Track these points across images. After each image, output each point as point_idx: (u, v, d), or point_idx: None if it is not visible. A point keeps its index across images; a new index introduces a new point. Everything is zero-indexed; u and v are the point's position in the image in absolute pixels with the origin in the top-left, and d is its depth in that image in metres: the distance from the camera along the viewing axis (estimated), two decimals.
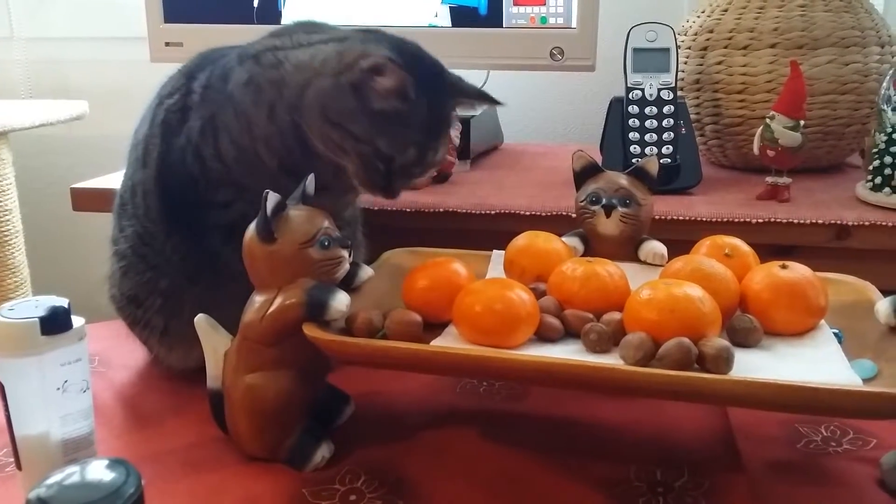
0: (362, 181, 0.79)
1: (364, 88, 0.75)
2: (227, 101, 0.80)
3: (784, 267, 0.73)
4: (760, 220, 1.01)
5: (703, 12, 1.27)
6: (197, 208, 0.82)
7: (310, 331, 0.67)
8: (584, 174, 0.87)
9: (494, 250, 0.87)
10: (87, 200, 1.19)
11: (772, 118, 1.06)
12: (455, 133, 1.20)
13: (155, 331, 0.86)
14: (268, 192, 0.68)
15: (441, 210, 1.08)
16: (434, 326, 0.74)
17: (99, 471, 0.50)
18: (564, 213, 1.03)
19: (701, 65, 1.24)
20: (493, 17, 1.24)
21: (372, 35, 0.81)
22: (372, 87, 0.75)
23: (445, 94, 0.80)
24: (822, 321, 0.72)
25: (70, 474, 0.50)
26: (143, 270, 0.85)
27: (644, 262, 0.83)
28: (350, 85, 0.76)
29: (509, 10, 1.24)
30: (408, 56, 0.78)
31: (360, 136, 0.76)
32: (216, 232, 0.81)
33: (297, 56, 0.79)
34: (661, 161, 1.09)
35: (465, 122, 1.24)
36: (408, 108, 0.76)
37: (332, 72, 0.77)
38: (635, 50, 1.14)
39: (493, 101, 0.85)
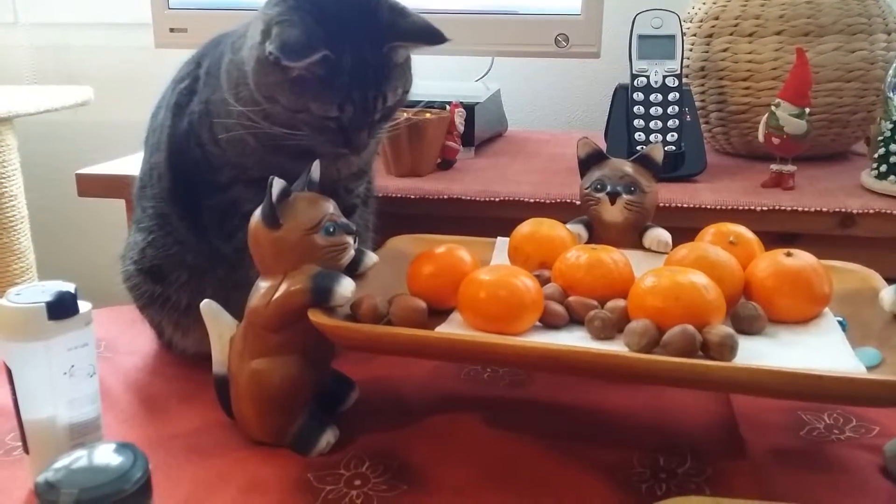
0: (321, 145, 0.77)
1: (278, 61, 0.73)
2: (217, 86, 0.80)
3: (788, 255, 0.73)
4: (765, 208, 1.01)
5: None
6: (199, 190, 0.82)
7: (315, 317, 0.67)
8: (589, 161, 0.87)
9: (499, 237, 0.88)
10: (91, 186, 1.19)
11: (777, 106, 1.06)
12: (459, 119, 1.20)
13: (174, 310, 0.86)
14: (273, 179, 0.68)
15: (445, 197, 1.08)
16: (439, 313, 0.74)
17: (106, 455, 0.51)
18: (569, 201, 1.03)
19: (706, 52, 1.23)
20: None
21: None
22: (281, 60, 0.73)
23: (379, 38, 0.75)
24: (827, 309, 0.73)
25: (78, 458, 0.50)
26: (170, 244, 0.85)
27: (648, 250, 0.84)
28: (266, 59, 0.73)
29: None
30: (322, 10, 0.73)
31: (291, 106, 0.74)
32: (212, 214, 0.82)
33: (250, 32, 0.78)
34: (666, 148, 1.09)
35: (470, 109, 1.24)
36: (326, 70, 0.73)
37: (255, 46, 0.75)
38: (640, 37, 1.14)
39: (436, 40, 0.77)
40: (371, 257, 0.78)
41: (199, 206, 0.83)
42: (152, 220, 0.86)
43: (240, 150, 0.80)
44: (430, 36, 0.77)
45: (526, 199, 1.06)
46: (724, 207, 1.02)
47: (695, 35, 1.25)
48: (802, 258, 0.73)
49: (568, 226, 0.84)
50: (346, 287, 0.68)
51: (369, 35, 0.74)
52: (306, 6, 0.74)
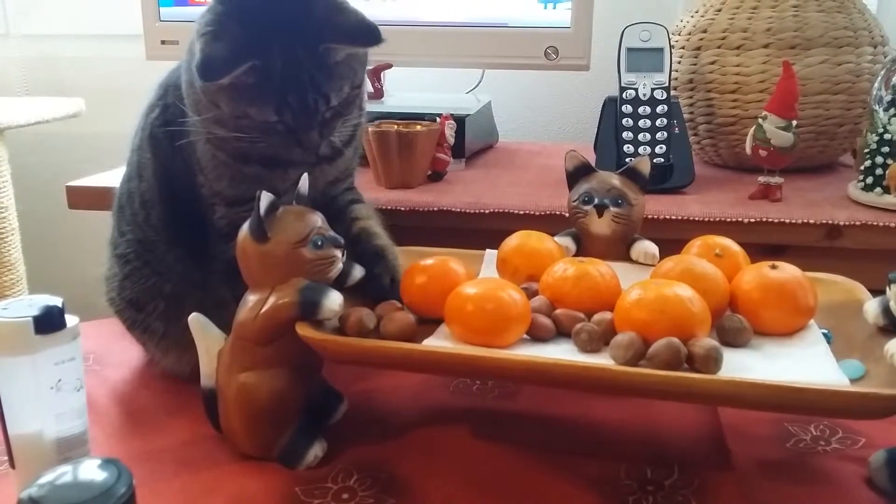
0: (274, 148, 0.76)
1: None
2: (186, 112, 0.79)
3: (774, 267, 0.73)
4: (752, 220, 1.02)
5: (696, 12, 1.28)
6: (201, 218, 0.82)
7: (303, 330, 0.68)
8: (577, 174, 0.87)
9: (487, 250, 0.88)
10: (82, 198, 1.19)
11: (764, 118, 1.06)
12: (450, 131, 1.20)
13: (154, 335, 0.86)
14: (261, 192, 0.68)
15: (435, 209, 1.08)
16: (432, 322, 0.74)
17: (91, 471, 0.51)
18: (558, 213, 1.04)
19: (694, 64, 1.24)
20: None
21: None
22: None
23: (313, 39, 0.72)
24: (812, 321, 0.73)
25: (62, 474, 0.50)
26: (146, 276, 0.85)
27: (636, 262, 0.84)
28: None
29: None
30: (252, 14, 0.72)
31: (232, 112, 0.74)
32: (218, 236, 0.82)
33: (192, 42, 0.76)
34: (655, 160, 1.10)
35: (460, 121, 1.25)
36: (256, 78, 0.71)
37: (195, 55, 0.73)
38: (629, 49, 1.15)
39: (372, 41, 0.74)
40: (359, 270, 0.78)
41: (196, 236, 0.82)
42: (129, 246, 0.86)
43: (213, 170, 0.80)
44: (365, 36, 0.74)
45: (515, 211, 1.06)
46: (711, 219, 1.02)
47: (683, 48, 1.26)
48: (787, 271, 0.73)
49: (556, 238, 0.85)
50: (333, 300, 0.69)
51: (303, 36, 0.72)
52: (235, 12, 0.72)
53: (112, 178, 1.19)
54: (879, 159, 1.04)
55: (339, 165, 0.84)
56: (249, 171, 0.78)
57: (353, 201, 0.87)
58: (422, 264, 0.78)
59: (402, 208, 1.08)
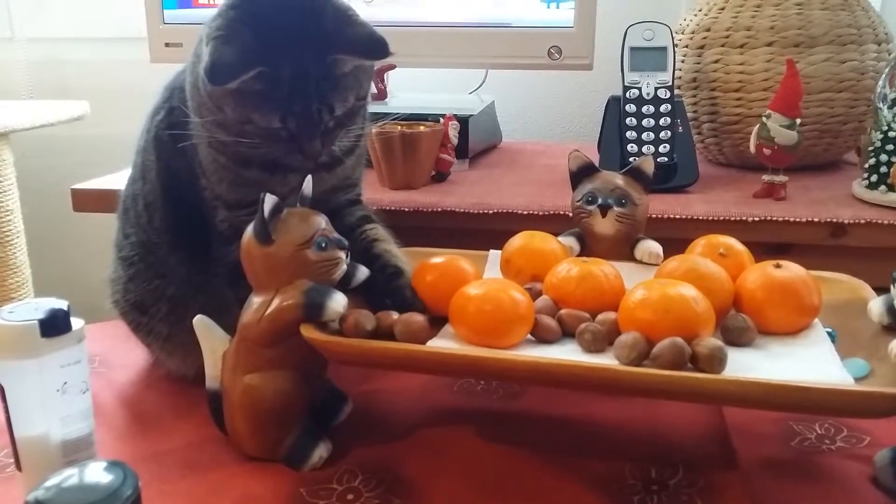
0: (275, 154, 0.76)
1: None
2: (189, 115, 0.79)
3: (778, 266, 0.73)
4: (757, 219, 1.01)
5: (699, 11, 1.27)
6: (203, 222, 0.82)
7: (307, 332, 0.68)
8: (581, 174, 0.87)
9: (491, 250, 0.88)
10: (87, 201, 1.19)
11: (768, 117, 1.06)
12: (453, 132, 1.21)
13: (158, 337, 0.87)
14: (265, 194, 0.68)
15: (439, 209, 1.08)
16: (440, 321, 0.74)
17: (97, 473, 0.51)
18: (562, 213, 1.04)
19: (698, 63, 1.24)
20: None
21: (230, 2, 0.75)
22: None
23: (322, 49, 0.72)
24: (816, 320, 0.73)
25: (68, 476, 0.51)
26: (150, 278, 0.85)
27: (640, 262, 0.84)
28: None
29: None
30: (263, 20, 0.72)
31: (236, 117, 0.74)
32: (220, 239, 0.82)
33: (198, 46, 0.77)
34: (658, 160, 1.10)
35: (464, 121, 1.25)
36: (263, 84, 0.71)
37: (202, 58, 0.73)
38: (632, 49, 1.15)
39: (380, 53, 0.74)
40: (363, 271, 0.78)
41: (198, 239, 0.82)
42: (134, 248, 0.86)
43: (214, 173, 0.80)
44: (373, 49, 0.75)
45: (519, 212, 1.06)
46: (716, 218, 1.02)
47: (686, 47, 1.26)
48: (792, 270, 0.73)
49: (560, 238, 0.85)
50: (338, 302, 0.69)
51: (311, 45, 0.72)
52: (246, 17, 0.72)
53: (117, 180, 1.19)
54: (884, 157, 1.03)
55: (337, 174, 0.84)
56: (249, 175, 0.78)
57: (368, 219, 0.87)
58: (432, 262, 0.78)
59: (406, 209, 1.08)
